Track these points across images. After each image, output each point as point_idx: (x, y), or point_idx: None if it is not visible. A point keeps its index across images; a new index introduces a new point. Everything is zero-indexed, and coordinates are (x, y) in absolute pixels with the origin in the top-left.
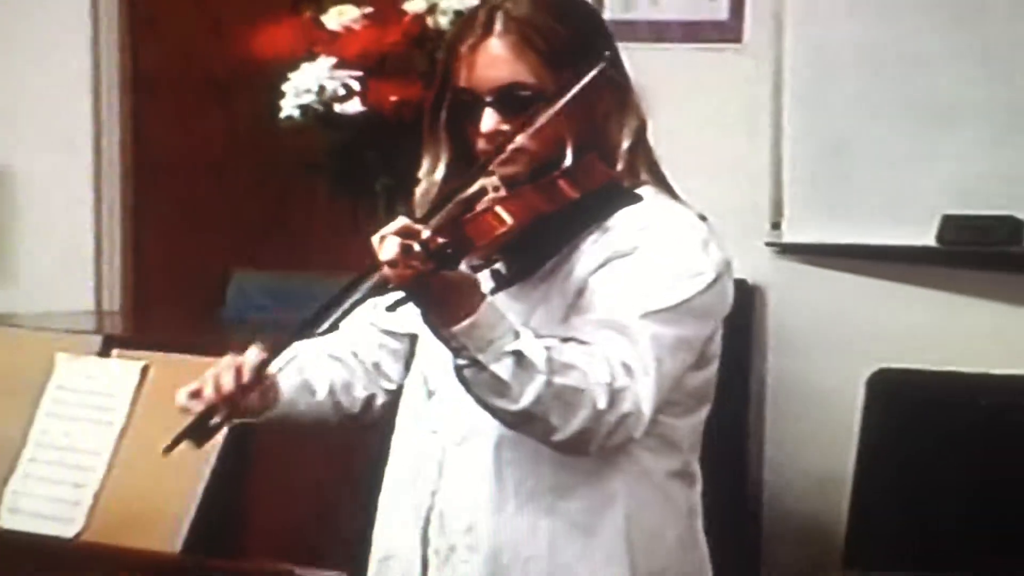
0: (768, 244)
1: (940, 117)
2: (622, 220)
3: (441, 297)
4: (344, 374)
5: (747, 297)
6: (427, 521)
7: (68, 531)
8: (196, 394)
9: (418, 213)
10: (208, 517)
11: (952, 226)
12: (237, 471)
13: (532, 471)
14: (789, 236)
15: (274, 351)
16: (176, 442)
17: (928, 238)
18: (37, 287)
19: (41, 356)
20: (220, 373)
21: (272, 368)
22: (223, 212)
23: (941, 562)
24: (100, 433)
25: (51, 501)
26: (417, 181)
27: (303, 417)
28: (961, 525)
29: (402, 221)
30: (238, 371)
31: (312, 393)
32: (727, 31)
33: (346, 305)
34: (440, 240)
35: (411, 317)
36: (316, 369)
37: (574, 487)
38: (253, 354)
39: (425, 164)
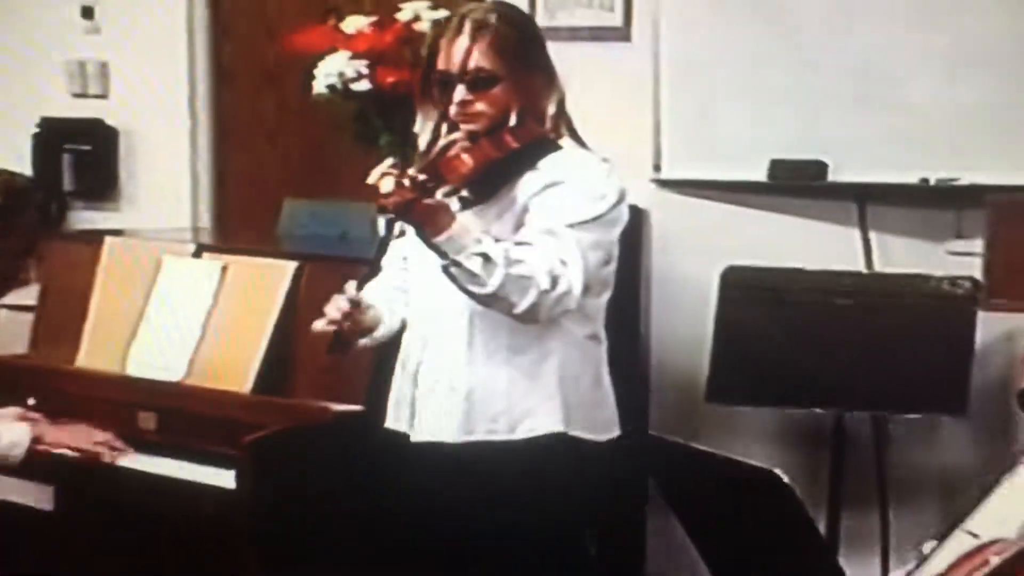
0: (652, 180)
1: (769, 93)
2: (550, 162)
3: (425, 217)
4: (406, 298)
5: (638, 217)
6: (417, 370)
7: (174, 377)
8: (329, 321)
9: (417, 158)
10: (268, 367)
11: (778, 167)
12: (287, 335)
13: (494, 336)
14: (666, 174)
15: (360, 283)
16: (330, 351)
17: (761, 175)
18: (152, 211)
19: (154, 258)
20: (334, 301)
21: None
22: (278, 158)
23: (771, 397)
24: (195, 310)
25: (162, 356)
26: (415, 135)
27: (391, 332)
28: (782, 368)
29: (393, 164)
30: (346, 297)
31: (392, 313)
32: (621, 33)
33: (381, 244)
34: (421, 177)
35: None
36: (392, 299)
37: (523, 346)
38: (350, 286)
39: (418, 123)
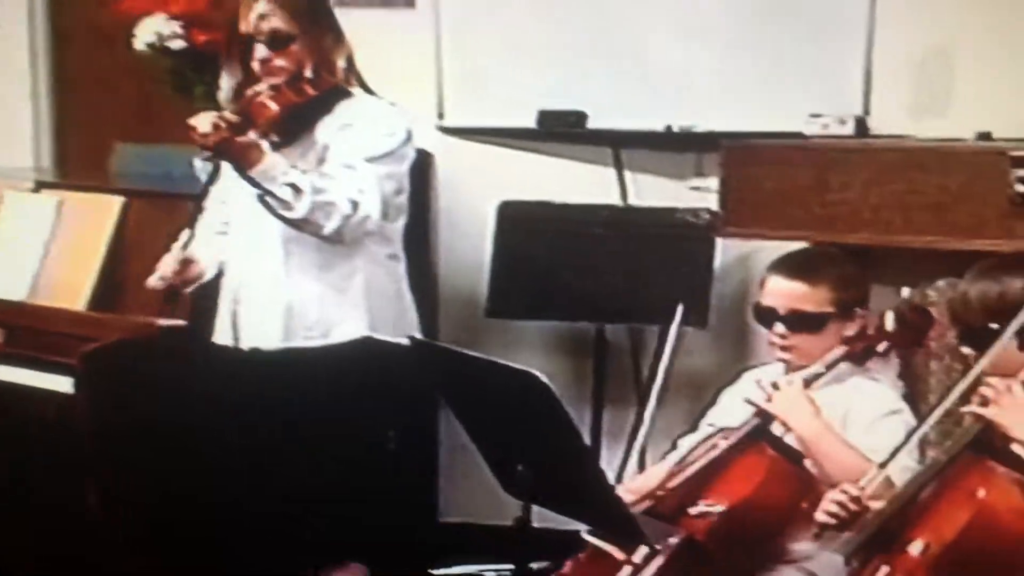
0: (437, 127)
1: (535, 52)
2: (344, 106)
3: (239, 153)
4: (224, 239)
5: (426, 159)
6: (238, 288)
7: (19, 296)
8: (160, 277)
9: (225, 108)
10: (101, 288)
11: (544, 116)
12: (117, 260)
13: (306, 255)
14: (448, 122)
15: (185, 243)
16: (164, 302)
17: (531, 122)
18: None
19: None
20: (165, 263)
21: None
22: (112, 107)
23: (542, 312)
24: (35, 238)
25: (7, 276)
26: (219, 88)
27: (212, 276)
28: (550, 287)
29: (212, 113)
30: (174, 259)
31: (211, 260)
32: (406, 1)
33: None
34: (233, 119)
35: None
36: (211, 245)
37: (332, 264)
38: (177, 246)
39: (223, 78)
